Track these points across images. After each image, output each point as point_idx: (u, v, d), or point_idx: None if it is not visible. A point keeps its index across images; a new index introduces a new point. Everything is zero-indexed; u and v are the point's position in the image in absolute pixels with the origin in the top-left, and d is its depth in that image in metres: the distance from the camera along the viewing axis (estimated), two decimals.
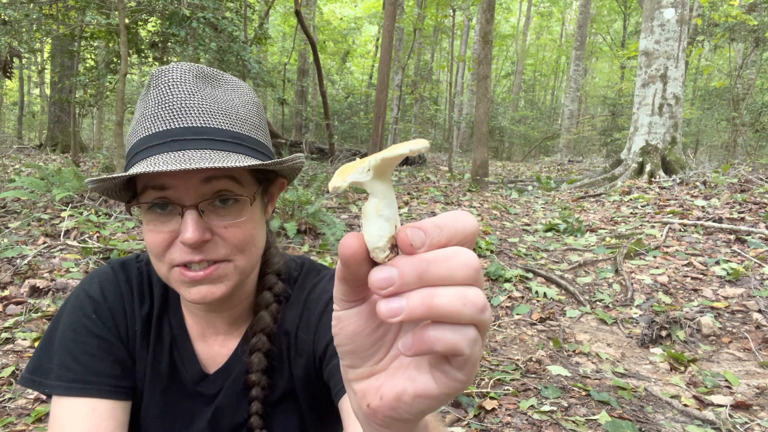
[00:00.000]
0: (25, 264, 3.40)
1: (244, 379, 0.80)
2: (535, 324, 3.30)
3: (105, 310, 0.80)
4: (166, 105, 0.68)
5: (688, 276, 3.83)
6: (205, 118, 0.68)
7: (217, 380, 0.81)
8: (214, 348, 0.82)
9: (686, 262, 4.08)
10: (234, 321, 0.82)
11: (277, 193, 0.82)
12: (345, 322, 0.35)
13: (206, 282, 0.70)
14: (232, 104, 0.72)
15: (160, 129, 0.68)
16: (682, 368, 2.73)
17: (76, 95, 9.07)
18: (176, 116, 0.68)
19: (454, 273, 0.30)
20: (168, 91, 0.69)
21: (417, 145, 0.32)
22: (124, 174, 0.64)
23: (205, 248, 0.69)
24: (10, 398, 2.22)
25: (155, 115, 0.68)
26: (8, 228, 4.09)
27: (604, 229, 5.30)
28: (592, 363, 2.80)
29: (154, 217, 0.69)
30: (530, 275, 3.97)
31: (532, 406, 2.28)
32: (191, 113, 0.68)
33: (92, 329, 0.77)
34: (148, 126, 0.69)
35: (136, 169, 0.63)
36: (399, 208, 5.99)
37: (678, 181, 6.99)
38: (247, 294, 0.81)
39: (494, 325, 3.28)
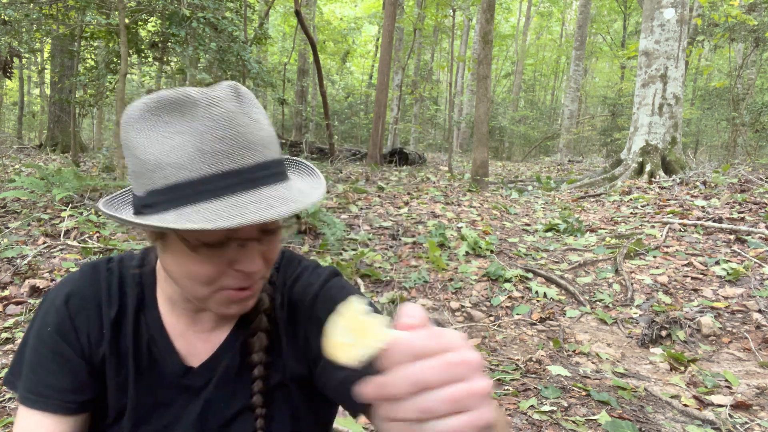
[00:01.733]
0: (25, 264, 3.40)
1: (235, 371, 0.81)
2: (535, 324, 3.30)
3: (66, 321, 0.79)
4: (228, 139, 0.63)
5: (688, 276, 3.83)
6: (265, 151, 0.66)
7: (203, 372, 0.81)
8: (196, 345, 0.83)
9: (686, 262, 4.08)
10: (220, 318, 0.83)
11: None
12: None
13: (246, 299, 0.73)
14: (266, 124, 0.69)
15: (232, 167, 0.63)
16: (682, 368, 2.73)
17: (76, 95, 9.07)
18: (243, 152, 0.63)
19: None
20: (225, 122, 0.63)
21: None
22: (224, 226, 0.58)
23: (256, 272, 0.70)
24: (10, 398, 2.22)
25: (217, 151, 0.62)
26: (8, 228, 4.09)
27: (604, 229, 5.30)
28: (592, 363, 2.80)
29: (205, 250, 0.66)
30: (530, 275, 3.97)
31: (532, 406, 2.28)
32: (254, 145, 0.64)
33: (49, 343, 0.78)
34: (212, 162, 0.62)
35: (224, 222, 0.59)
36: (399, 208, 5.98)
37: (678, 181, 6.99)
38: None
39: (494, 325, 3.28)
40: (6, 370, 2.34)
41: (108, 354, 0.80)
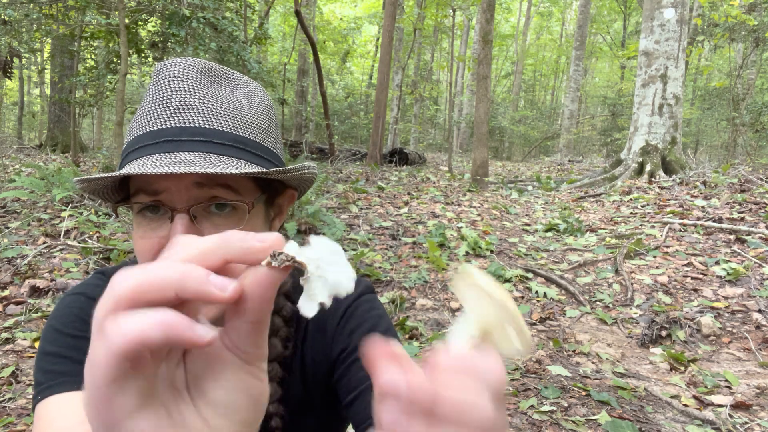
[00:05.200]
0: (25, 264, 3.40)
1: None
2: (535, 324, 3.30)
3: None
4: (164, 102, 0.64)
5: (688, 276, 3.83)
6: (204, 118, 0.64)
7: None
8: None
9: (686, 262, 4.08)
10: None
11: (287, 206, 0.77)
12: None
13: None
14: (238, 105, 0.67)
15: (155, 128, 0.63)
16: (682, 368, 2.73)
17: (76, 95, 9.06)
18: (173, 114, 0.63)
19: None
20: (168, 87, 0.65)
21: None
22: (110, 174, 0.60)
23: None
24: (10, 398, 2.22)
25: (151, 112, 0.64)
26: (8, 228, 4.09)
27: (604, 229, 5.30)
28: (592, 363, 2.80)
29: (145, 222, 0.64)
30: (530, 275, 3.97)
31: (532, 406, 2.28)
32: (189, 112, 0.63)
33: (75, 332, 0.71)
34: (143, 124, 0.65)
35: (125, 170, 0.60)
36: (399, 207, 5.98)
37: (678, 181, 6.99)
38: None
39: None
40: (8, 370, 2.34)
41: None
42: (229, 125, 0.65)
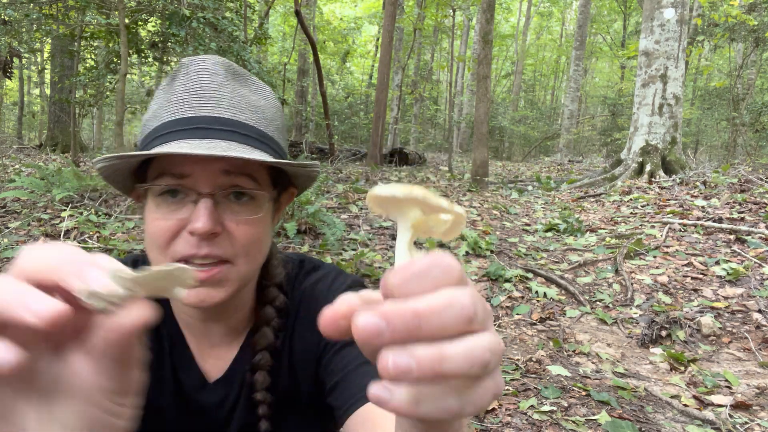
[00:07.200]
0: None
1: (246, 394, 0.78)
2: (535, 324, 3.30)
3: None
4: (196, 92, 0.68)
5: (688, 276, 3.83)
6: (233, 111, 0.68)
7: (218, 389, 0.79)
8: (209, 360, 0.80)
9: (686, 262, 4.08)
10: (230, 332, 0.79)
11: (285, 204, 0.80)
12: None
13: (206, 284, 0.66)
14: (258, 103, 0.72)
15: (187, 115, 0.67)
16: (682, 368, 2.73)
17: (76, 95, 9.06)
18: (205, 105, 0.67)
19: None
20: (199, 78, 0.69)
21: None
22: (145, 153, 0.62)
23: (214, 242, 0.65)
24: None
25: (182, 101, 0.68)
26: (8, 228, 4.09)
27: (604, 229, 5.30)
28: (592, 363, 2.80)
29: (165, 204, 0.66)
30: (530, 275, 3.97)
31: (532, 406, 2.29)
32: (221, 104, 0.68)
33: None
34: (174, 111, 0.68)
35: (165, 149, 0.62)
36: None
37: (678, 181, 6.99)
38: (243, 303, 0.79)
39: (494, 325, 3.28)
40: None
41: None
42: (254, 120, 0.70)
